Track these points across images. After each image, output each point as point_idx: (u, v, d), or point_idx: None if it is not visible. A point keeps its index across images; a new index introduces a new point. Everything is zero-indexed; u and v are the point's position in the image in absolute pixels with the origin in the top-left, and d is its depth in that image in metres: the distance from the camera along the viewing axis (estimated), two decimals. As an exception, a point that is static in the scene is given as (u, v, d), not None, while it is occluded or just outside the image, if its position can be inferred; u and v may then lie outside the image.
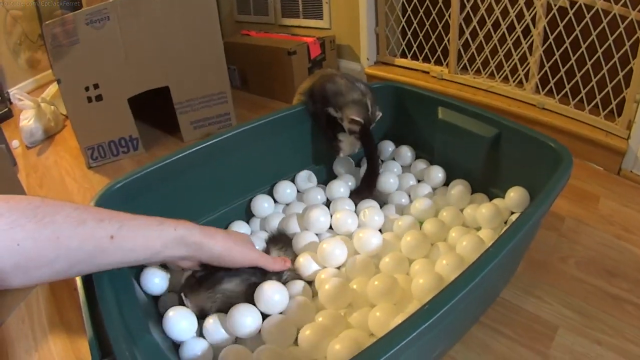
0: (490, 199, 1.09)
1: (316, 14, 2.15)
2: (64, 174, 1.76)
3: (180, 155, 0.97)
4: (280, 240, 1.04)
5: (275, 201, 1.19)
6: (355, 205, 1.15)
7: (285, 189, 1.19)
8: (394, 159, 1.31)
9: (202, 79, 1.76)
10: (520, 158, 1.01)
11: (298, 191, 1.22)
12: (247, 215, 1.18)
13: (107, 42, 1.61)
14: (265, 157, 1.17)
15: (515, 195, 0.99)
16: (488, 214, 0.97)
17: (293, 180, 1.23)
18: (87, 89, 1.65)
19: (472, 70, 1.81)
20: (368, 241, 0.97)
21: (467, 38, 1.76)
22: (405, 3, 1.91)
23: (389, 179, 1.20)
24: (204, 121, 1.82)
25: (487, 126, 1.06)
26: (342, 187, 1.19)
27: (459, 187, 1.11)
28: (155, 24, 1.64)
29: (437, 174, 1.19)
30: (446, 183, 1.20)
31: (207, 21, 1.69)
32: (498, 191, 1.08)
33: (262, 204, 1.16)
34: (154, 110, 1.88)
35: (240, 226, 1.13)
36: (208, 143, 1.02)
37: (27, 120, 2.05)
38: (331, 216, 1.08)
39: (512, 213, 1.01)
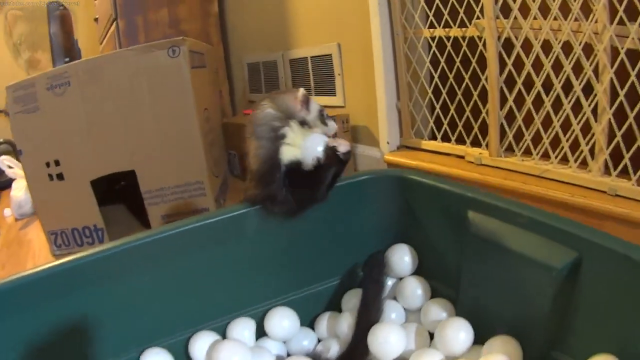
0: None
1: (329, 90, 1.82)
2: (29, 259, 1.53)
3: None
4: None
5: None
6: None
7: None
8: (394, 297, 0.87)
9: (175, 165, 1.42)
10: (612, 300, 0.56)
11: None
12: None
13: (69, 112, 1.37)
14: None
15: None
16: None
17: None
18: (47, 164, 1.40)
19: (519, 151, 1.37)
20: None
21: (510, 107, 1.34)
22: (431, 69, 1.54)
23: (384, 336, 0.73)
24: (178, 216, 1.46)
25: (556, 246, 0.61)
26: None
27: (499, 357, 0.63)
28: (120, 93, 1.37)
29: (458, 333, 0.70)
30: (479, 340, 0.70)
31: (181, 96, 1.38)
32: (567, 358, 0.60)
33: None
34: (130, 191, 1.54)
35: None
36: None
37: (18, 190, 1.93)
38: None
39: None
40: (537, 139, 1.32)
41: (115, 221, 1.67)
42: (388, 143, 1.66)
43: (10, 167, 1.94)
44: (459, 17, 1.40)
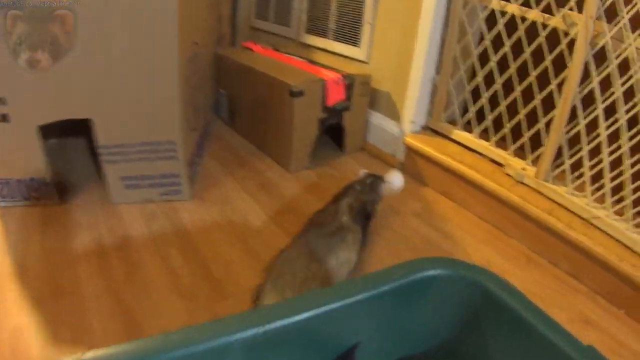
0: None
1: (352, 38, 1.47)
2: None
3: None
4: None
5: None
6: None
7: None
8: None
9: (142, 119, 1.11)
10: None
11: None
12: None
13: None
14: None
15: None
16: None
17: None
18: (-9, 102, 1.08)
19: (572, 182, 1.12)
20: None
21: (578, 126, 1.07)
22: (489, 49, 1.21)
23: None
24: (141, 180, 1.18)
25: None
26: None
27: None
28: (83, 21, 1.00)
29: None
30: None
31: (162, 29, 1.04)
32: None
33: None
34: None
35: None
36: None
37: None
38: None
39: None
40: (597, 177, 1.07)
41: (70, 166, 1.36)
42: (413, 122, 1.36)
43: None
44: (546, -1, 1.07)
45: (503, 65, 1.19)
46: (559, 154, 1.13)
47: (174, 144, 1.13)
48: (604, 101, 1.01)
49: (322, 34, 1.56)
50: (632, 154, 0.99)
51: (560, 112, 1.09)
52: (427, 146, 1.32)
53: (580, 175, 1.10)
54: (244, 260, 1.01)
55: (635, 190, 1.00)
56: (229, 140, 1.51)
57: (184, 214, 1.15)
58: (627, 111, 0.98)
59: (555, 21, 1.07)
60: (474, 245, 1.14)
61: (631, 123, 0.99)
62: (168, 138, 1.13)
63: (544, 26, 1.09)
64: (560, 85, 1.08)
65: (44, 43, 0.98)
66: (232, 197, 1.22)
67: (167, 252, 1.02)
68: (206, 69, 1.44)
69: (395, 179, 1.12)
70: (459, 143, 1.33)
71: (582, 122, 1.06)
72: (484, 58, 1.22)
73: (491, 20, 1.19)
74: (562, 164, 1.12)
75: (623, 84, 0.98)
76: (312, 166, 1.38)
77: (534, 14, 1.10)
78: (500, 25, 1.16)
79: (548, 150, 1.13)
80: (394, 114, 1.41)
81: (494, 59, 1.19)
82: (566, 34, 1.05)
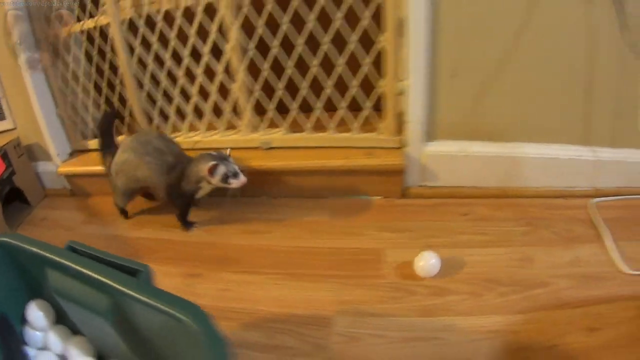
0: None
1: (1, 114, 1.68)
2: None
3: None
4: None
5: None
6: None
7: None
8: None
9: None
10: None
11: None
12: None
13: None
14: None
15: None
16: None
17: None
18: None
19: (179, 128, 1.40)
20: None
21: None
22: (85, 65, 1.48)
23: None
24: None
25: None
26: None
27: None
28: None
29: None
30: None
31: None
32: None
33: None
34: None
35: None
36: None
37: None
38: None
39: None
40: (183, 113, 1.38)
41: None
42: (60, 154, 1.58)
43: None
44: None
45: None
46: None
47: None
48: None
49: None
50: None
51: (128, 85, 1.38)
52: (81, 167, 1.54)
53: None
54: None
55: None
56: None
57: None
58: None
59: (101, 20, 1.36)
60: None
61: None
62: None
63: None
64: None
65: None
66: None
67: None
68: None
69: (431, 260, 0.98)
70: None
71: (147, 77, 1.35)
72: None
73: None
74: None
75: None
76: (11, 233, 1.44)
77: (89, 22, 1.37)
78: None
79: (138, 116, 1.41)
80: (47, 156, 1.60)
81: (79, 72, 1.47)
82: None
